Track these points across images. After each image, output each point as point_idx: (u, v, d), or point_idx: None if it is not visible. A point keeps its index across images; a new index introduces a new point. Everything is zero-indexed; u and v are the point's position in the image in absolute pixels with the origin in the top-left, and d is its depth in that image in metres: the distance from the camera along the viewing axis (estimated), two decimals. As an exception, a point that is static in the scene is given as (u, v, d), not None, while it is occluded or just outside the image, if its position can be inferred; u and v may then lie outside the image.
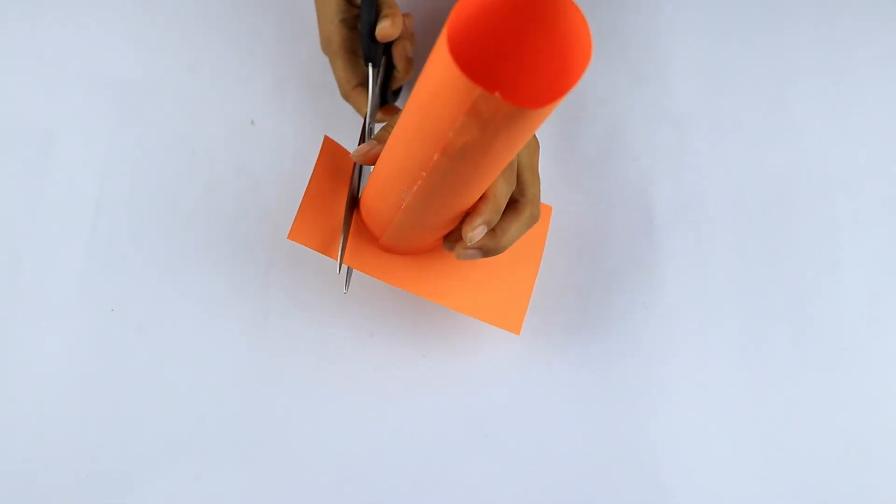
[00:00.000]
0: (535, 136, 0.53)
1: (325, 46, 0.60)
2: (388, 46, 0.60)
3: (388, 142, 0.46)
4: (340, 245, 0.54)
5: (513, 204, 0.51)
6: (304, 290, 0.61)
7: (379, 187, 0.49)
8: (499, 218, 0.49)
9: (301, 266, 0.62)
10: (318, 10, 0.60)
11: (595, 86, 0.67)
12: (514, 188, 0.50)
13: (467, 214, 0.49)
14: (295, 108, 0.65)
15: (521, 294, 0.58)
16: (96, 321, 0.60)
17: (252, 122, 0.65)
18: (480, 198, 0.48)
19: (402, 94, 0.65)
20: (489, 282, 0.57)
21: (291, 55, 0.65)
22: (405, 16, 0.60)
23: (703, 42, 0.69)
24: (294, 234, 0.54)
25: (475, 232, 0.48)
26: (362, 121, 0.59)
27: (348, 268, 0.56)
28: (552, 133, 0.65)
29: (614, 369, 0.61)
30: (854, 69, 0.69)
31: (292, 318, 0.61)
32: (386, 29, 0.57)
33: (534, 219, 0.52)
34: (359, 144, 0.57)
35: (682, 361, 0.62)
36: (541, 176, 0.63)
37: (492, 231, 0.50)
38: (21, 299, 0.60)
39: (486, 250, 0.51)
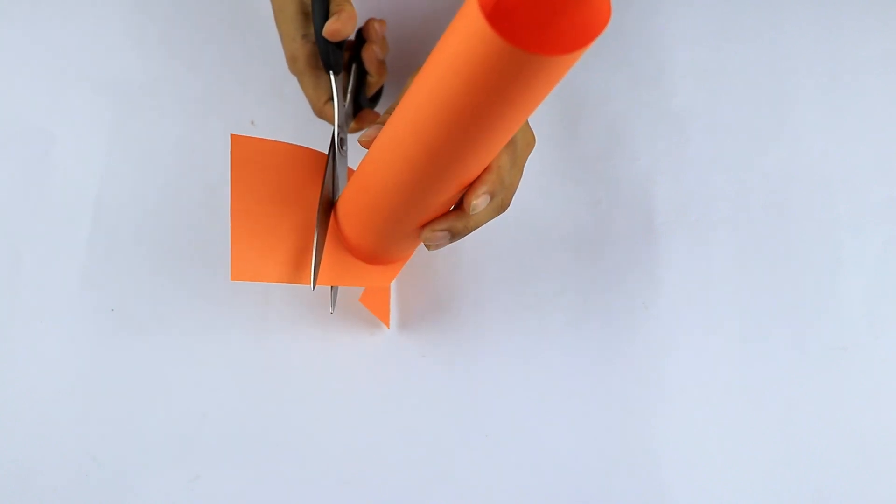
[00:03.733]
0: (531, 131, 0.53)
1: (292, 65, 0.59)
2: (358, 52, 0.59)
3: (393, 121, 0.44)
4: (313, 262, 0.52)
5: None
6: (303, 289, 0.61)
7: (378, 174, 0.47)
8: (502, 191, 0.49)
9: (301, 266, 0.62)
10: (279, 29, 0.59)
11: (595, 86, 0.67)
12: (515, 166, 0.50)
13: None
14: (295, 108, 0.65)
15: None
16: (96, 321, 0.60)
17: (252, 122, 0.65)
18: (484, 169, 0.47)
19: (383, 99, 0.65)
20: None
21: (291, 55, 0.65)
22: (378, 21, 0.59)
23: (703, 42, 0.69)
24: (237, 273, 0.50)
25: (479, 200, 0.47)
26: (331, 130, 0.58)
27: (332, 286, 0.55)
28: (552, 133, 0.65)
29: (614, 369, 0.61)
30: (854, 69, 0.69)
31: (292, 318, 0.61)
32: (331, 26, 0.54)
33: (502, 207, 0.51)
34: (330, 157, 0.55)
35: (682, 361, 0.62)
36: (542, 175, 0.63)
37: (460, 212, 0.49)
38: (21, 299, 0.60)
39: (454, 231, 0.50)
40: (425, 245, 0.51)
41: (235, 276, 0.51)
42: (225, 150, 0.64)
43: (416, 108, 0.41)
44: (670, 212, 0.65)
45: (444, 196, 0.47)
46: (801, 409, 0.61)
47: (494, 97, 0.37)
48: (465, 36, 0.35)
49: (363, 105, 0.61)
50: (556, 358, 0.61)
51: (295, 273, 0.53)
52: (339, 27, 0.55)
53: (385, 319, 0.59)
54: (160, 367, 0.59)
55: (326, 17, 0.56)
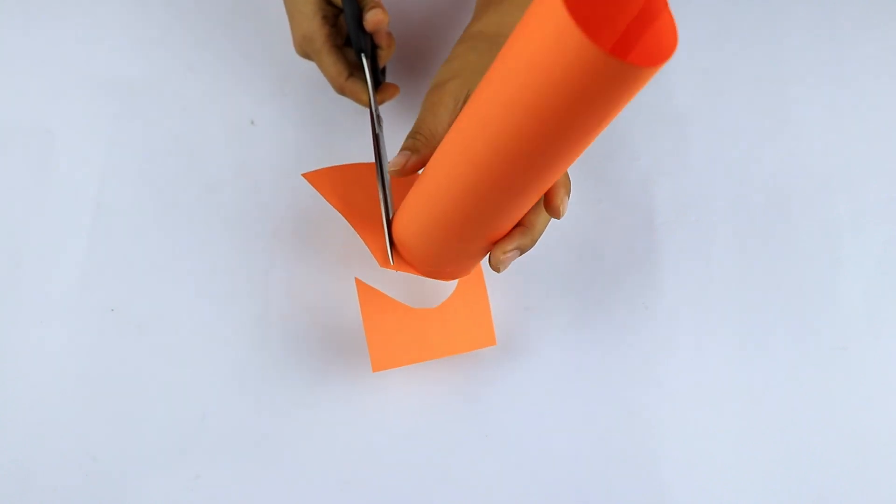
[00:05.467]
0: None
1: (306, 45, 0.60)
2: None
3: (461, 133, 0.45)
4: (387, 240, 0.54)
5: None
6: (303, 289, 0.61)
7: (449, 190, 0.47)
8: (533, 245, 0.50)
9: (301, 266, 0.62)
10: (290, 10, 0.60)
11: (595, 86, 0.67)
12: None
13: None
14: (295, 108, 0.65)
15: (483, 312, 0.60)
16: (96, 321, 0.60)
17: (252, 122, 0.65)
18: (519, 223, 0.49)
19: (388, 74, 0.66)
20: (455, 320, 0.59)
21: (291, 55, 0.65)
22: None
23: (703, 42, 0.69)
24: (378, 365, 0.56)
25: (564, 204, 0.48)
26: (368, 110, 0.60)
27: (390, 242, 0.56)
28: (552, 133, 0.65)
29: (614, 369, 0.61)
30: (854, 69, 0.69)
31: (292, 318, 0.61)
32: (378, 15, 0.58)
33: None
34: (373, 134, 0.57)
35: (682, 361, 0.62)
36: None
37: (522, 227, 0.50)
38: (21, 299, 0.60)
39: (524, 249, 0.51)
40: (494, 269, 0.51)
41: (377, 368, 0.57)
42: (224, 150, 0.64)
43: (494, 120, 0.41)
44: (670, 212, 0.65)
45: (521, 210, 0.47)
46: (801, 409, 0.61)
47: (584, 107, 0.37)
48: (554, 44, 0.35)
49: (379, 80, 0.62)
50: (556, 358, 0.61)
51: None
52: (383, 17, 0.58)
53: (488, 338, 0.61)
54: (160, 367, 0.59)
55: (356, 4, 0.58)
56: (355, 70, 0.61)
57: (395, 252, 0.55)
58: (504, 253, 0.50)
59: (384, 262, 0.54)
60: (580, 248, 0.64)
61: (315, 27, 0.59)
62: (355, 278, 0.56)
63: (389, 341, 0.57)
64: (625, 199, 0.65)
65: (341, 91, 0.61)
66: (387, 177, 0.56)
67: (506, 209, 0.46)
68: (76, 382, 0.59)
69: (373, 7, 0.58)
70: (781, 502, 0.60)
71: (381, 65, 0.62)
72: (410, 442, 0.59)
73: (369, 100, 0.59)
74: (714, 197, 0.66)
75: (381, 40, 0.60)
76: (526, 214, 0.50)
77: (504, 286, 0.62)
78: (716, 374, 0.62)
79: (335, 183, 0.57)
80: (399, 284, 0.61)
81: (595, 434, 0.60)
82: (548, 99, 0.37)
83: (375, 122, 0.58)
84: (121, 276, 0.61)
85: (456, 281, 0.60)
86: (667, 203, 0.65)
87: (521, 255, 0.51)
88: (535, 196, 0.46)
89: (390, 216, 0.55)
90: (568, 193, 0.49)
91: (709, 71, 0.68)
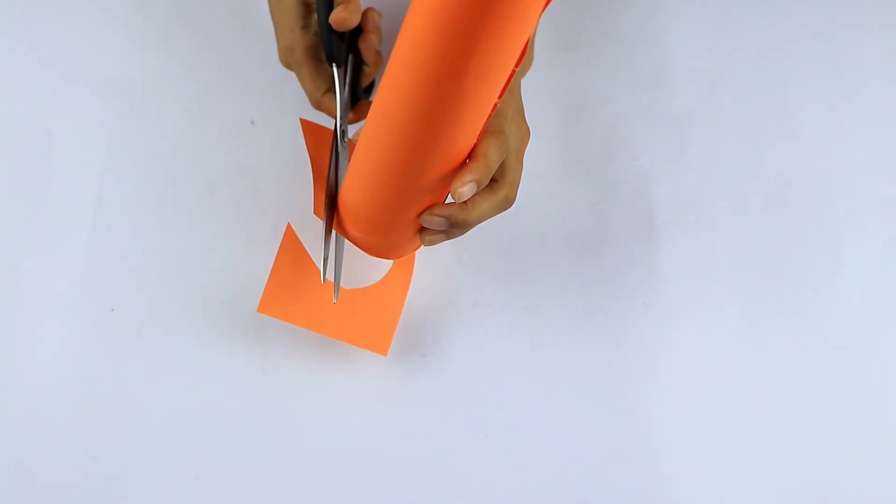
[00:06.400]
0: (526, 125, 0.53)
1: (287, 56, 0.59)
2: (353, 42, 0.59)
3: (377, 93, 0.44)
4: (322, 255, 0.54)
5: (490, 183, 0.51)
6: (304, 290, 0.61)
7: (371, 150, 0.47)
8: (488, 180, 0.48)
9: (301, 266, 0.62)
10: (275, 20, 0.59)
11: (595, 86, 0.67)
12: (503, 159, 0.50)
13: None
14: (295, 108, 0.65)
15: (390, 320, 0.59)
16: (96, 321, 0.60)
17: (252, 122, 0.65)
18: (471, 157, 0.47)
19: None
20: (359, 310, 0.59)
21: (291, 55, 0.65)
22: (371, 10, 0.59)
23: (703, 42, 0.69)
24: (264, 307, 0.57)
25: (465, 188, 0.47)
26: (333, 123, 0.58)
27: (335, 278, 0.56)
28: (552, 133, 0.65)
29: (614, 369, 0.61)
30: (854, 69, 0.69)
31: (292, 318, 0.61)
32: (339, 14, 0.54)
33: (507, 202, 0.51)
34: (331, 150, 0.56)
35: (682, 361, 0.62)
36: (541, 175, 0.63)
37: (462, 203, 0.49)
38: (21, 299, 0.60)
39: (453, 220, 0.49)
40: (422, 237, 0.51)
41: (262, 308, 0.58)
42: (224, 150, 0.64)
43: (393, 68, 0.41)
44: (670, 212, 0.65)
45: (435, 168, 0.46)
46: (801, 409, 0.61)
47: (463, 38, 0.37)
48: None
49: (360, 96, 0.61)
50: (556, 357, 0.61)
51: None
52: (346, 15, 0.55)
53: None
54: (160, 367, 0.59)
55: (330, 7, 0.56)
56: (334, 85, 0.58)
57: (338, 217, 0.55)
58: (431, 214, 0.49)
59: (317, 212, 0.55)
60: (580, 248, 0.64)
61: (295, 38, 0.57)
62: (287, 223, 0.57)
63: (288, 292, 0.58)
64: (625, 199, 0.65)
65: (317, 106, 0.59)
66: (338, 186, 0.55)
67: (439, 142, 0.45)
68: (76, 382, 0.59)
69: (339, 4, 0.55)
70: (781, 501, 0.60)
71: (365, 82, 0.60)
72: (410, 442, 0.59)
73: (335, 112, 0.57)
74: (714, 197, 0.66)
75: (368, 56, 0.59)
76: (475, 146, 0.47)
77: (504, 285, 0.62)
78: (715, 373, 0.62)
79: (321, 140, 0.58)
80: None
81: (595, 433, 0.60)
82: (423, 30, 0.38)
83: (338, 136, 0.56)
84: (121, 276, 0.61)
85: (381, 275, 0.60)
86: (667, 203, 0.65)
87: (450, 227, 0.50)
88: (463, 131, 0.44)
89: (329, 233, 0.55)
90: (477, 180, 0.47)
91: (709, 71, 0.68)
